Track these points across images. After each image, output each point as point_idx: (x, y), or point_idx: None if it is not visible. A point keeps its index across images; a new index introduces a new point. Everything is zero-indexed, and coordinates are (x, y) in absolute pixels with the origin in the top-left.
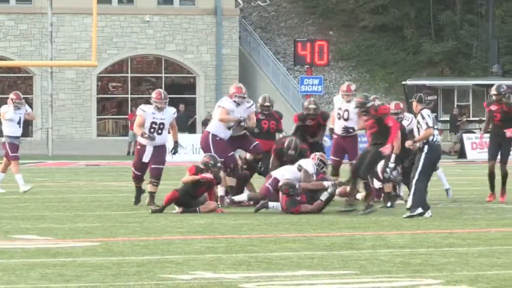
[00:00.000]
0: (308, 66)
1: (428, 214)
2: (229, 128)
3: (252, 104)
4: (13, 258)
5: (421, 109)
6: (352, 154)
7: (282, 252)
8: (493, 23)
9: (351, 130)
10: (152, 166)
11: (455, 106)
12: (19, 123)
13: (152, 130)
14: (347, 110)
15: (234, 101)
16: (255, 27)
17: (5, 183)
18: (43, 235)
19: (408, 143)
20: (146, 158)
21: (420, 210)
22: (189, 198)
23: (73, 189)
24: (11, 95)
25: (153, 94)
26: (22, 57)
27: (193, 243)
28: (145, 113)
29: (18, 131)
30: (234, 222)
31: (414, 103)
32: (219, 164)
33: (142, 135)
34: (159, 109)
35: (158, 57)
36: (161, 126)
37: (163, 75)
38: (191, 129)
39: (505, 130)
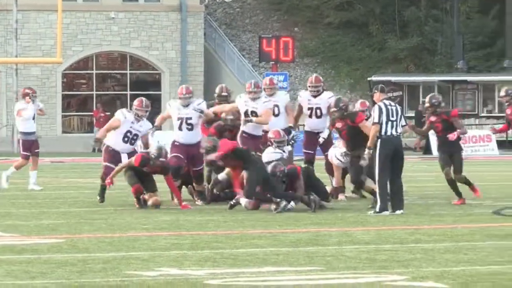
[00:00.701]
0: (273, 62)
1: (386, 212)
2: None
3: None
4: None
5: (381, 100)
6: (326, 147)
7: (248, 248)
8: (458, 19)
9: (324, 129)
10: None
11: (420, 102)
12: (33, 118)
13: (126, 139)
14: (319, 108)
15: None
16: (220, 23)
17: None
18: (8, 232)
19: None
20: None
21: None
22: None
23: (38, 185)
24: (27, 90)
25: (135, 102)
26: None
27: (158, 240)
28: (125, 120)
29: (32, 126)
30: (200, 219)
31: (377, 94)
32: (161, 158)
33: (95, 140)
34: (139, 117)
35: (123, 54)
36: (135, 137)
37: (128, 71)
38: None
39: (447, 136)
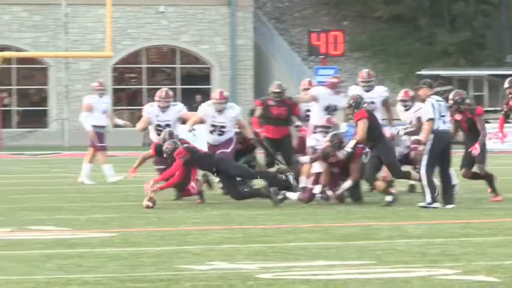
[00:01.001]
0: (322, 56)
1: (437, 205)
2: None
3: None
4: (30, 249)
5: (430, 95)
6: None
7: (299, 242)
8: (506, 14)
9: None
10: None
11: (471, 96)
12: (104, 112)
13: (159, 132)
14: (372, 102)
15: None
16: (269, 17)
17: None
18: (59, 226)
19: (419, 149)
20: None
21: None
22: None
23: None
24: (95, 83)
25: (157, 93)
26: (36, 48)
27: (209, 234)
28: (150, 115)
29: (103, 120)
30: (251, 213)
31: (424, 89)
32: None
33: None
34: (162, 108)
35: (172, 48)
36: (167, 128)
37: (178, 66)
38: None
39: (470, 149)
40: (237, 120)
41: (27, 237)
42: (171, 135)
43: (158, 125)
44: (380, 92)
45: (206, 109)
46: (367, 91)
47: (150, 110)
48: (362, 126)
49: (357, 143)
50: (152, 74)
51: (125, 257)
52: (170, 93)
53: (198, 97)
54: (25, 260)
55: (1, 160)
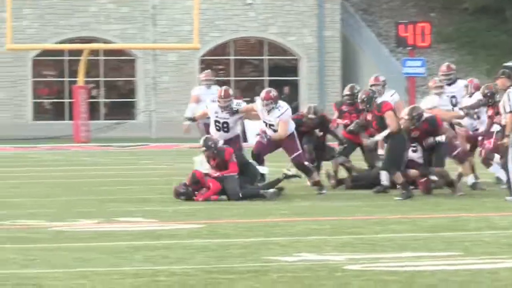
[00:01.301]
0: (410, 48)
1: None
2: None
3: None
4: (117, 241)
5: (509, 86)
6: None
7: (387, 234)
8: None
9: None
10: None
11: None
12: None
13: (217, 128)
14: (454, 97)
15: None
16: (356, 9)
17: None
18: (147, 217)
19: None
20: None
21: None
22: None
23: (177, 171)
24: (202, 74)
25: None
26: (124, 40)
27: (297, 225)
28: (208, 110)
29: None
30: (338, 204)
31: (503, 79)
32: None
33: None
34: (222, 108)
35: (260, 40)
36: (225, 125)
37: (265, 57)
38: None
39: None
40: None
41: (115, 228)
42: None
43: (217, 121)
44: (461, 85)
45: (209, 105)
46: (448, 84)
47: (210, 106)
48: (392, 116)
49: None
50: (239, 66)
51: (213, 248)
52: (230, 92)
53: (286, 89)
54: (113, 251)
55: (89, 152)
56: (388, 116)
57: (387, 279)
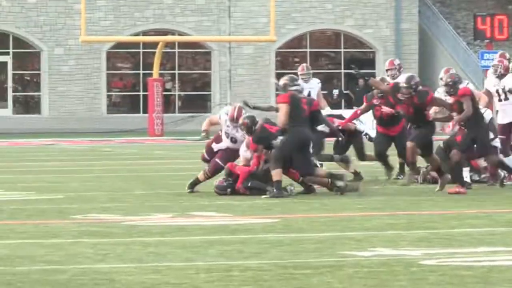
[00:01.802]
0: (488, 41)
1: None
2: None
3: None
4: (191, 235)
5: None
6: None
7: (463, 228)
8: None
9: None
10: None
11: None
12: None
13: (226, 136)
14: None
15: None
16: (434, 1)
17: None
18: (221, 211)
19: None
20: None
21: None
22: None
23: None
24: (299, 68)
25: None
26: (199, 32)
27: (373, 220)
28: (221, 120)
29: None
30: (415, 198)
31: None
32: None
33: None
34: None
35: (337, 32)
36: (233, 139)
37: (342, 50)
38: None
39: None
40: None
41: (189, 223)
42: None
43: (226, 132)
44: None
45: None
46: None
47: (223, 117)
48: (469, 102)
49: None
50: (315, 58)
51: (288, 243)
52: (242, 112)
53: (362, 82)
54: (187, 246)
55: (163, 145)
56: (466, 101)
57: (463, 274)
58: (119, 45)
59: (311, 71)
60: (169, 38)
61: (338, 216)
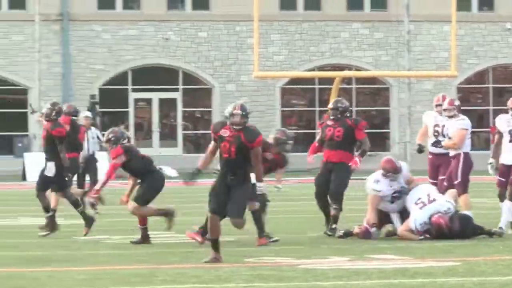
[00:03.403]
0: None
1: None
2: None
3: None
4: (369, 279)
5: None
6: None
7: None
8: None
9: None
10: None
11: None
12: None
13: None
14: None
15: None
16: None
17: None
18: (400, 254)
19: None
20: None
21: None
22: None
23: None
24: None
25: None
26: (377, 67)
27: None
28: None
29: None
30: None
31: None
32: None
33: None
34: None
35: None
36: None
37: None
38: None
39: None
40: None
41: (367, 266)
42: None
43: None
44: None
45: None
46: None
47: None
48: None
49: None
50: (498, 94)
51: (469, 287)
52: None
53: None
54: None
55: None
56: None
57: None
58: (293, 80)
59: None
60: (346, 73)
61: None
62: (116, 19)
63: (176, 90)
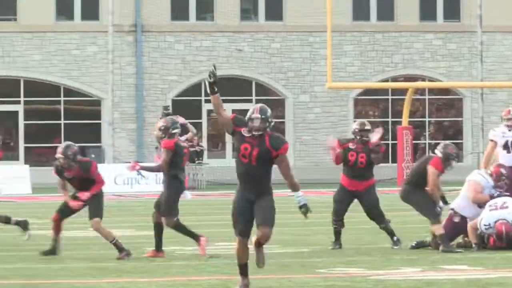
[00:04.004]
0: None
1: None
2: None
3: None
4: None
5: None
6: None
7: None
8: None
9: None
10: None
11: None
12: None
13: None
14: None
15: None
16: None
17: None
18: (473, 265)
19: None
20: None
21: None
22: None
23: None
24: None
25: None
26: (450, 78)
27: None
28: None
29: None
30: None
31: None
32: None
33: None
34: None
35: None
36: None
37: None
38: None
39: None
40: None
41: (439, 277)
42: None
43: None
44: None
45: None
46: None
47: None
48: None
49: None
50: None
51: None
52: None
53: None
54: None
55: None
56: None
57: None
58: (366, 91)
59: None
60: (419, 84)
61: None
62: (189, 30)
63: (250, 101)
